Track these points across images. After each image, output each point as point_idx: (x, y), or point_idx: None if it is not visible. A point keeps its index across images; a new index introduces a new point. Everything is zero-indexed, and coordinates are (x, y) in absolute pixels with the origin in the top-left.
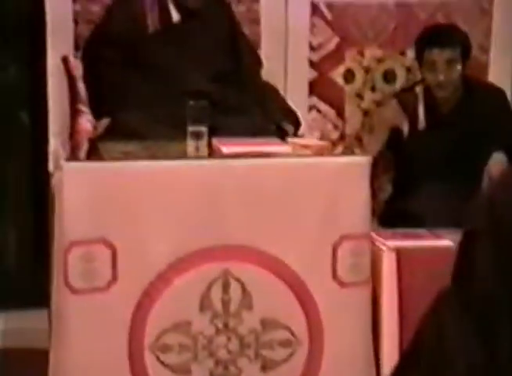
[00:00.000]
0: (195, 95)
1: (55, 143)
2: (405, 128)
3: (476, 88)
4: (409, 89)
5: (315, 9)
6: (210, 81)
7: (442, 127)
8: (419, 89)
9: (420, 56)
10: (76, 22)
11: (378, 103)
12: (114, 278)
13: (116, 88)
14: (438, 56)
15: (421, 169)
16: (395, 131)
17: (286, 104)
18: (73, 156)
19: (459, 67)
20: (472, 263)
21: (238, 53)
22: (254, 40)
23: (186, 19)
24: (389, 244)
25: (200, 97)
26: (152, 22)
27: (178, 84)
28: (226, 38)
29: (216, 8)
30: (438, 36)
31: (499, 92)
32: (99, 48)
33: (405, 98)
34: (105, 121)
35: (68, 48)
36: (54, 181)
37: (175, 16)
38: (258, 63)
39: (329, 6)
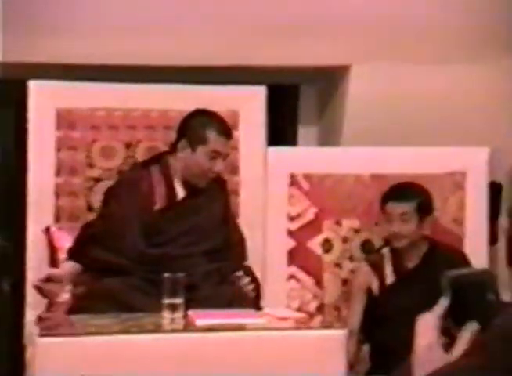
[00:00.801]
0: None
1: (31, 314)
2: (375, 286)
3: (439, 247)
4: (376, 251)
5: (293, 180)
6: (204, 254)
7: (409, 282)
8: (385, 250)
9: (381, 210)
10: (57, 195)
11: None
12: None
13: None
14: (393, 209)
15: (394, 328)
16: (368, 294)
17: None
18: (46, 330)
19: (414, 221)
20: None
21: (228, 230)
22: (233, 209)
23: (191, 196)
24: None
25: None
26: (159, 198)
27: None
28: (222, 215)
29: (217, 185)
30: (395, 191)
31: (461, 253)
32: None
33: (373, 259)
34: (68, 265)
35: (49, 220)
36: (28, 354)
37: (180, 192)
38: (242, 239)
39: (307, 177)
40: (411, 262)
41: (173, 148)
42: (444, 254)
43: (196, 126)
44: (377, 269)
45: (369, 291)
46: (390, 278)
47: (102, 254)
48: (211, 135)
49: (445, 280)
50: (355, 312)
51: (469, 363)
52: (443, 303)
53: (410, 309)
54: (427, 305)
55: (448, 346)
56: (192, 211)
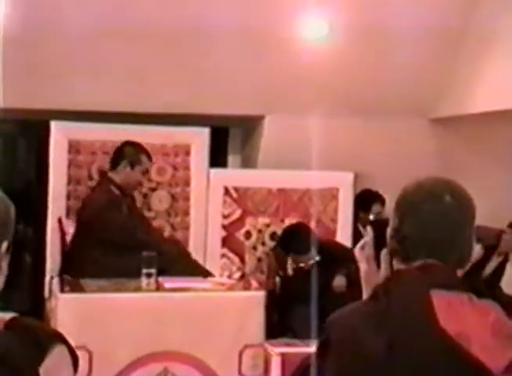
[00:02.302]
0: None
1: (49, 277)
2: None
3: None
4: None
5: (226, 191)
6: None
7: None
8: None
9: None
10: (68, 197)
11: (266, 254)
12: (89, 373)
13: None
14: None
15: (293, 297)
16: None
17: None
18: (63, 289)
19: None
20: (320, 363)
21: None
22: (185, 211)
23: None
24: (276, 350)
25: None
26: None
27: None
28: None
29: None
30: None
31: (339, 243)
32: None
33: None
34: None
35: (62, 213)
36: (49, 305)
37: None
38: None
39: (235, 189)
40: None
41: (112, 167)
42: (330, 241)
43: (133, 152)
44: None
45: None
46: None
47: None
48: (144, 158)
49: (369, 222)
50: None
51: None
52: (369, 235)
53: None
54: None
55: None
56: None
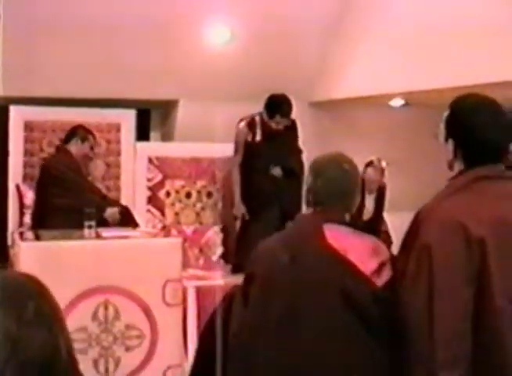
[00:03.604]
0: None
1: (11, 229)
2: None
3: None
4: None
5: (149, 160)
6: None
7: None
8: (258, 119)
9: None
10: (24, 167)
11: (184, 208)
12: None
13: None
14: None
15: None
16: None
17: None
18: (23, 238)
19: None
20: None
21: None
22: (117, 176)
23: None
24: (190, 284)
25: None
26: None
27: None
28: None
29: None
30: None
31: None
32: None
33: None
34: None
35: (19, 180)
36: (12, 252)
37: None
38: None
39: (157, 158)
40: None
41: (66, 142)
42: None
43: (83, 132)
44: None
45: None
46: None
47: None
48: (90, 137)
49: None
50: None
51: None
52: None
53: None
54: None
55: None
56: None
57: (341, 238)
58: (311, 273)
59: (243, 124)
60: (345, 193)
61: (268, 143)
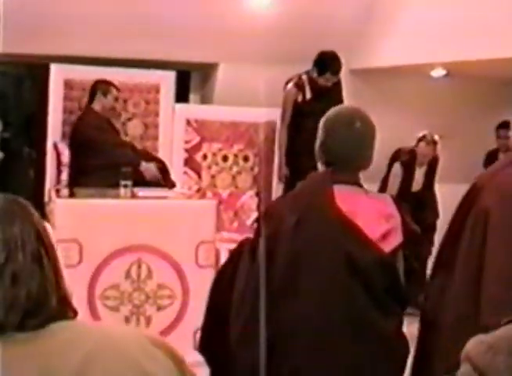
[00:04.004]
0: None
1: (49, 186)
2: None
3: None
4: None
5: (187, 122)
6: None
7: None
8: (305, 78)
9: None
10: (63, 125)
11: (220, 171)
12: (80, 260)
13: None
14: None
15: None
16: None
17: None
18: (59, 195)
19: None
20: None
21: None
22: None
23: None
24: (224, 246)
25: None
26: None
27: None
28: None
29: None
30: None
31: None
32: None
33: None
34: None
35: (57, 139)
36: (48, 208)
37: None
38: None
39: (195, 121)
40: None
41: (90, 100)
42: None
43: (103, 85)
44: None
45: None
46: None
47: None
48: (112, 89)
49: None
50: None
51: None
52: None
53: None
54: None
55: None
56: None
57: (351, 200)
58: (315, 237)
59: (291, 84)
60: (357, 152)
61: (318, 102)
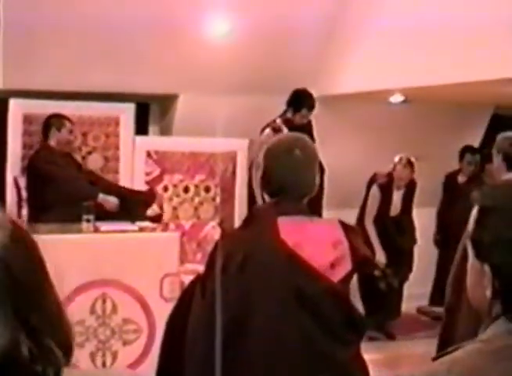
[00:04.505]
0: None
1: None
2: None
3: None
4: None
5: (148, 154)
6: None
7: None
8: (279, 121)
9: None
10: (22, 159)
11: (182, 202)
12: None
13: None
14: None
15: None
16: None
17: None
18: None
19: None
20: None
21: None
22: (116, 170)
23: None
24: (188, 278)
25: None
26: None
27: None
28: None
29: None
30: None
31: None
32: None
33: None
34: None
35: (17, 173)
36: None
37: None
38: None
39: (155, 152)
40: None
41: (45, 136)
42: None
43: (56, 120)
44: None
45: None
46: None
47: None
48: (66, 122)
49: None
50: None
51: None
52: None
53: None
54: None
55: None
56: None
57: (296, 231)
58: (263, 273)
59: (268, 130)
60: (299, 179)
61: None
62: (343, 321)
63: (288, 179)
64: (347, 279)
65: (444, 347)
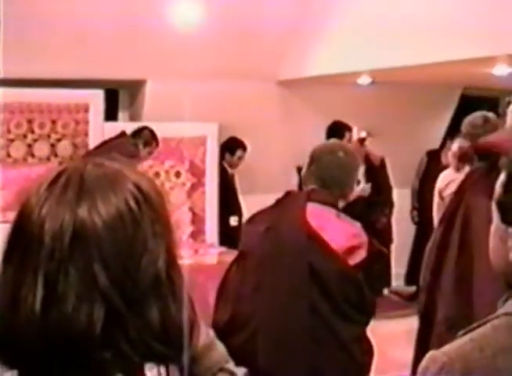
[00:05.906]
0: None
1: None
2: None
3: None
4: None
5: None
6: None
7: None
8: None
9: None
10: None
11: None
12: None
13: None
14: None
15: None
16: None
17: None
18: None
19: None
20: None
21: None
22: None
23: None
24: None
25: None
26: None
27: None
28: None
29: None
30: None
31: None
32: None
33: None
34: None
35: None
36: None
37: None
38: None
39: None
40: None
41: None
42: None
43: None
44: None
45: None
46: None
47: None
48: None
49: None
50: None
51: None
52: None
53: None
54: None
55: None
56: None
57: (321, 217)
58: (281, 243)
59: None
60: (337, 178)
61: None
62: (352, 302)
63: (327, 176)
64: (361, 265)
65: (427, 325)
